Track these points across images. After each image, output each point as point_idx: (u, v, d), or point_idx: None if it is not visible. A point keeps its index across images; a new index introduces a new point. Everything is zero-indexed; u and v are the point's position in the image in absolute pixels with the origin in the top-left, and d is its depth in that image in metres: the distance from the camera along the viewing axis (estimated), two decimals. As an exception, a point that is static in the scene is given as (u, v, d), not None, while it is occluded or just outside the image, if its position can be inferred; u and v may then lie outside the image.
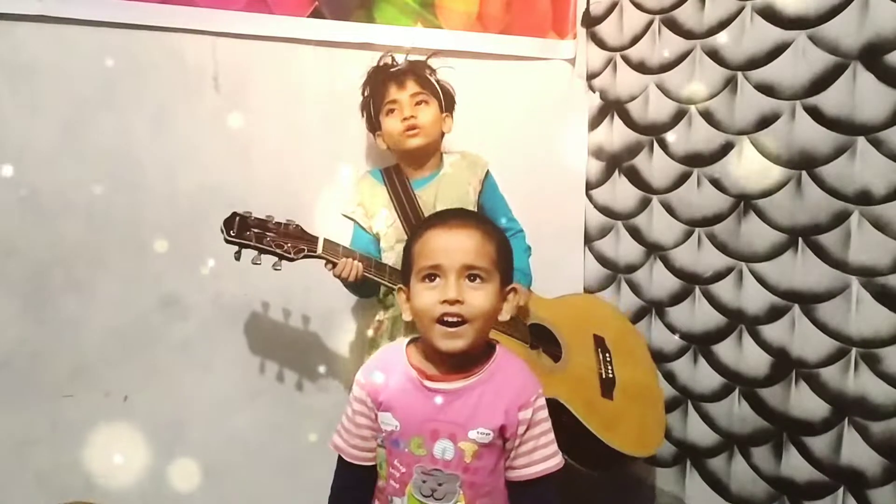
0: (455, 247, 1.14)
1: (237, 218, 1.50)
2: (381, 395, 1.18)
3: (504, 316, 1.20)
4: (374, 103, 1.79)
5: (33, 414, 1.65)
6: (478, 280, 1.14)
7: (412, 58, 1.82)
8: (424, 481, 1.15)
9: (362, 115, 1.83)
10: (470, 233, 1.15)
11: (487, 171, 1.85)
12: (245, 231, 1.50)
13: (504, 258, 1.20)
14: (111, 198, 1.68)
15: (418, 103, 1.74)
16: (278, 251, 1.52)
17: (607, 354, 1.89)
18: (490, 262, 1.15)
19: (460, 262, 1.13)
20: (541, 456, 1.18)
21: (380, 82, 1.77)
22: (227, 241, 1.49)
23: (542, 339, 1.82)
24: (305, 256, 1.54)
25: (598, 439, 1.70)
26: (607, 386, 1.83)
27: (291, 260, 1.53)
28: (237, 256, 1.51)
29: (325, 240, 1.56)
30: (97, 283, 1.69)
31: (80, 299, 1.68)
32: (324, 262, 1.56)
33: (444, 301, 1.11)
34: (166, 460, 1.76)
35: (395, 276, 1.57)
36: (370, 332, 1.79)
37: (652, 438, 1.86)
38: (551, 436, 1.20)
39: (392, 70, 1.79)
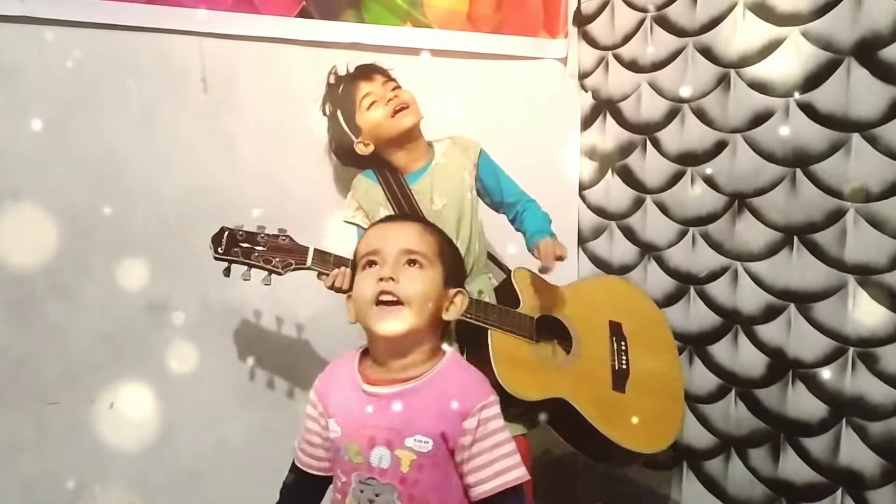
0: (395, 233, 1.13)
1: (226, 233, 1.49)
2: (329, 400, 1.17)
3: (449, 316, 1.17)
4: (345, 113, 1.73)
5: (18, 421, 1.62)
6: (417, 266, 1.11)
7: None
8: (362, 491, 1.11)
9: (330, 146, 1.79)
10: (412, 224, 1.16)
11: (481, 150, 1.81)
12: (233, 247, 1.49)
13: (450, 255, 1.18)
14: (96, 201, 1.66)
15: (393, 89, 1.72)
16: (267, 266, 1.50)
17: (623, 343, 1.83)
18: (431, 249, 1.13)
19: (399, 246, 1.11)
20: (494, 471, 1.08)
21: (345, 87, 1.73)
22: (216, 258, 1.49)
23: (552, 333, 1.78)
24: (295, 269, 1.52)
25: (605, 436, 1.67)
26: (619, 378, 1.78)
27: (280, 274, 1.51)
28: (226, 273, 1.50)
29: (315, 250, 1.53)
30: (82, 289, 1.66)
31: (66, 304, 1.65)
32: (316, 273, 1.54)
33: (380, 279, 1.08)
34: (154, 468, 1.73)
35: None
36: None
37: (663, 434, 1.80)
38: (508, 447, 1.11)
39: (350, 73, 1.76)
